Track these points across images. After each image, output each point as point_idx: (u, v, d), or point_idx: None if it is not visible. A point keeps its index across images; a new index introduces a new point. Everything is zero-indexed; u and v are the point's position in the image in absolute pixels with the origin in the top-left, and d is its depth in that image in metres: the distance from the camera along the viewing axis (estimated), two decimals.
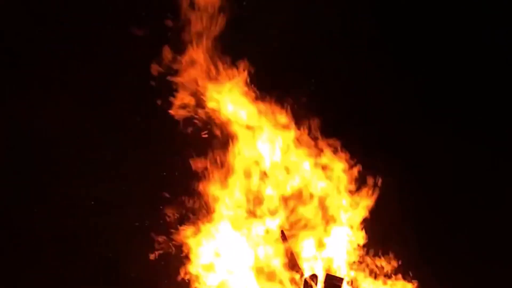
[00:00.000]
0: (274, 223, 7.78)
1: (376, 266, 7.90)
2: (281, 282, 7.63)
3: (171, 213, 7.91)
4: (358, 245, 7.92)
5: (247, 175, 7.82)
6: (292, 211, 7.85)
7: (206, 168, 7.85)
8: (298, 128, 7.92)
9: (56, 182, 8.14)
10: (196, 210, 7.86)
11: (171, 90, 7.90)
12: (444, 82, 8.51)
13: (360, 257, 7.92)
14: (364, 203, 7.95)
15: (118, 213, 8.11)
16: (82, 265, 8.05)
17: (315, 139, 7.94)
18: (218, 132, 7.87)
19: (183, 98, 7.85)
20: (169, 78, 7.83)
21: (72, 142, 8.15)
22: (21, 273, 8.03)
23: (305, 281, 7.53)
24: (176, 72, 7.82)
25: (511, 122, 8.44)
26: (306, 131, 7.93)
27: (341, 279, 7.56)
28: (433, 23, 8.51)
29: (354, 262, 7.88)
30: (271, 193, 7.82)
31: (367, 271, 7.89)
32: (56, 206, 8.12)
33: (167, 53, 7.78)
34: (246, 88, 7.86)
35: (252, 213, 7.81)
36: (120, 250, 8.03)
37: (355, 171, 8.00)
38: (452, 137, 8.33)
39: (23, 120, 8.11)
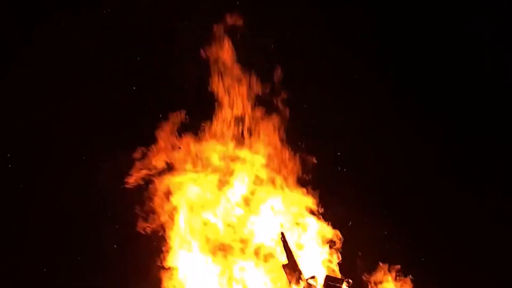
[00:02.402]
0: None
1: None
2: (281, 284, 7.77)
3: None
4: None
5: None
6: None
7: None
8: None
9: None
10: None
11: None
12: (438, 84, 8.63)
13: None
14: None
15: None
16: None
17: None
18: None
19: None
20: None
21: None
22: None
23: (305, 282, 7.65)
24: None
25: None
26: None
27: (341, 281, 7.68)
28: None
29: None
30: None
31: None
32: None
33: None
34: None
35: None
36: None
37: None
38: (447, 138, 8.49)
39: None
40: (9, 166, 8.16)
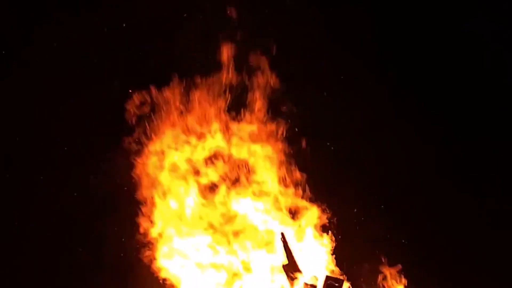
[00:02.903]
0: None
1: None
2: (281, 284, 7.78)
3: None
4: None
5: None
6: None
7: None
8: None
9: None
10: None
11: None
12: (438, 84, 8.63)
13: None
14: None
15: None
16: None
17: None
18: None
19: None
20: None
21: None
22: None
23: (305, 283, 7.66)
24: None
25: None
26: None
27: (341, 281, 7.69)
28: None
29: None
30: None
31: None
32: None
33: None
34: None
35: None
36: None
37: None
38: (447, 138, 8.49)
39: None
40: (9, 165, 8.16)
